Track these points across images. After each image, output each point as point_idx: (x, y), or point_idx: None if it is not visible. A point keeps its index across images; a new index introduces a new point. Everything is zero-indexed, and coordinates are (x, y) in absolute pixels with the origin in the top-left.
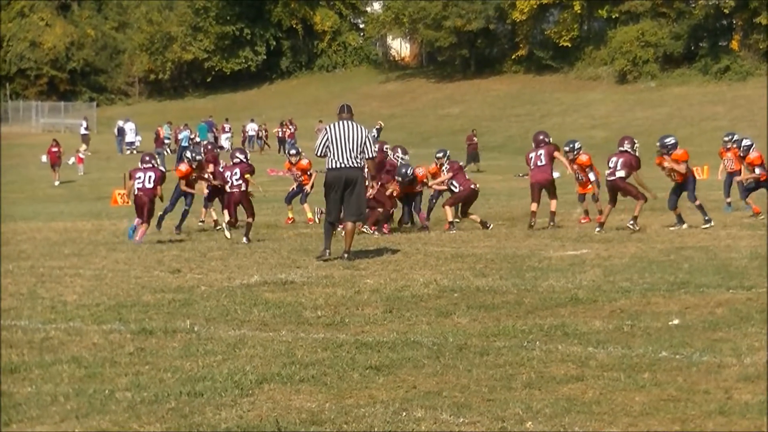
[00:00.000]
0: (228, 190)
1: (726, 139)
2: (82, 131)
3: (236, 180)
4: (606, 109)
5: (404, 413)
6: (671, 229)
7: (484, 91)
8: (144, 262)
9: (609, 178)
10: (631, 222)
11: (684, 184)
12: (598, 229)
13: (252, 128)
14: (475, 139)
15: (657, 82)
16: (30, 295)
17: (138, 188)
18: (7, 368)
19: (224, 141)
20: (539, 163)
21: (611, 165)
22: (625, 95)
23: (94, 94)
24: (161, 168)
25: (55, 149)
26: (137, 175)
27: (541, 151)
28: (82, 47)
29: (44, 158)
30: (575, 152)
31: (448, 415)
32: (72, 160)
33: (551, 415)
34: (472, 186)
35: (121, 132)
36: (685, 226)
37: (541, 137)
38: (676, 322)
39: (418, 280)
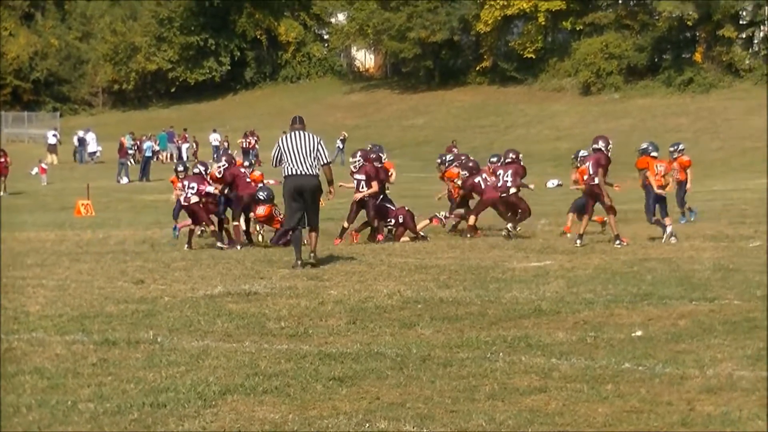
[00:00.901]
0: (182, 201)
1: (671, 149)
2: (53, 141)
3: (192, 192)
4: (570, 121)
5: (367, 424)
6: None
7: (448, 103)
8: (107, 273)
9: (589, 183)
10: (618, 242)
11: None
12: (578, 241)
13: (215, 138)
14: (455, 150)
15: (621, 94)
16: None
17: (185, 196)
18: None
19: (184, 151)
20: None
21: (591, 171)
22: (589, 107)
23: (58, 104)
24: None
25: (2, 160)
26: (189, 184)
27: (510, 170)
28: (45, 57)
29: (34, 170)
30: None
31: (411, 426)
32: (35, 170)
33: (514, 427)
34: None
35: (82, 142)
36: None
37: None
38: (639, 333)
39: (381, 291)
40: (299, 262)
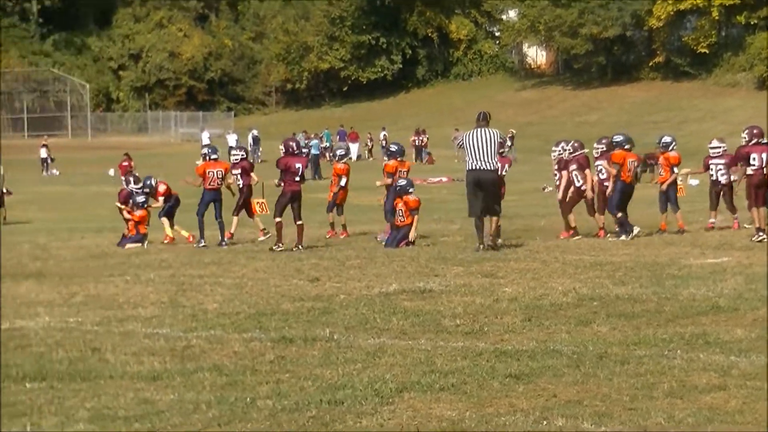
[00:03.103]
0: None
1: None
2: (207, 142)
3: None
4: (745, 116)
5: (545, 422)
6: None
7: (620, 98)
8: (283, 271)
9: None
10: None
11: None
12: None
13: (384, 136)
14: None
15: None
16: (171, 303)
17: None
18: (149, 376)
19: (355, 150)
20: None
21: (763, 162)
22: (764, 101)
23: (232, 104)
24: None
25: (125, 163)
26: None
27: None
28: (219, 57)
29: (111, 172)
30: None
31: (589, 424)
32: None
33: (693, 425)
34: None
35: (256, 141)
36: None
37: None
38: None
39: (556, 289)
40: (480, 246)
